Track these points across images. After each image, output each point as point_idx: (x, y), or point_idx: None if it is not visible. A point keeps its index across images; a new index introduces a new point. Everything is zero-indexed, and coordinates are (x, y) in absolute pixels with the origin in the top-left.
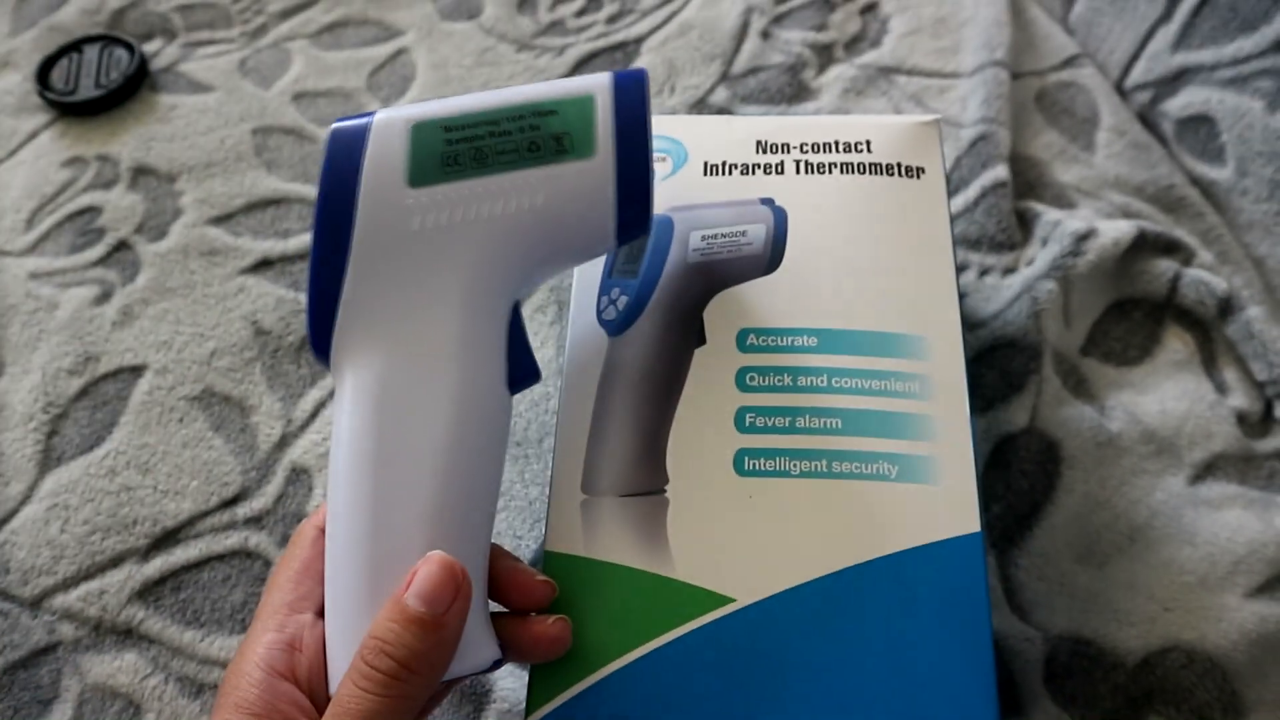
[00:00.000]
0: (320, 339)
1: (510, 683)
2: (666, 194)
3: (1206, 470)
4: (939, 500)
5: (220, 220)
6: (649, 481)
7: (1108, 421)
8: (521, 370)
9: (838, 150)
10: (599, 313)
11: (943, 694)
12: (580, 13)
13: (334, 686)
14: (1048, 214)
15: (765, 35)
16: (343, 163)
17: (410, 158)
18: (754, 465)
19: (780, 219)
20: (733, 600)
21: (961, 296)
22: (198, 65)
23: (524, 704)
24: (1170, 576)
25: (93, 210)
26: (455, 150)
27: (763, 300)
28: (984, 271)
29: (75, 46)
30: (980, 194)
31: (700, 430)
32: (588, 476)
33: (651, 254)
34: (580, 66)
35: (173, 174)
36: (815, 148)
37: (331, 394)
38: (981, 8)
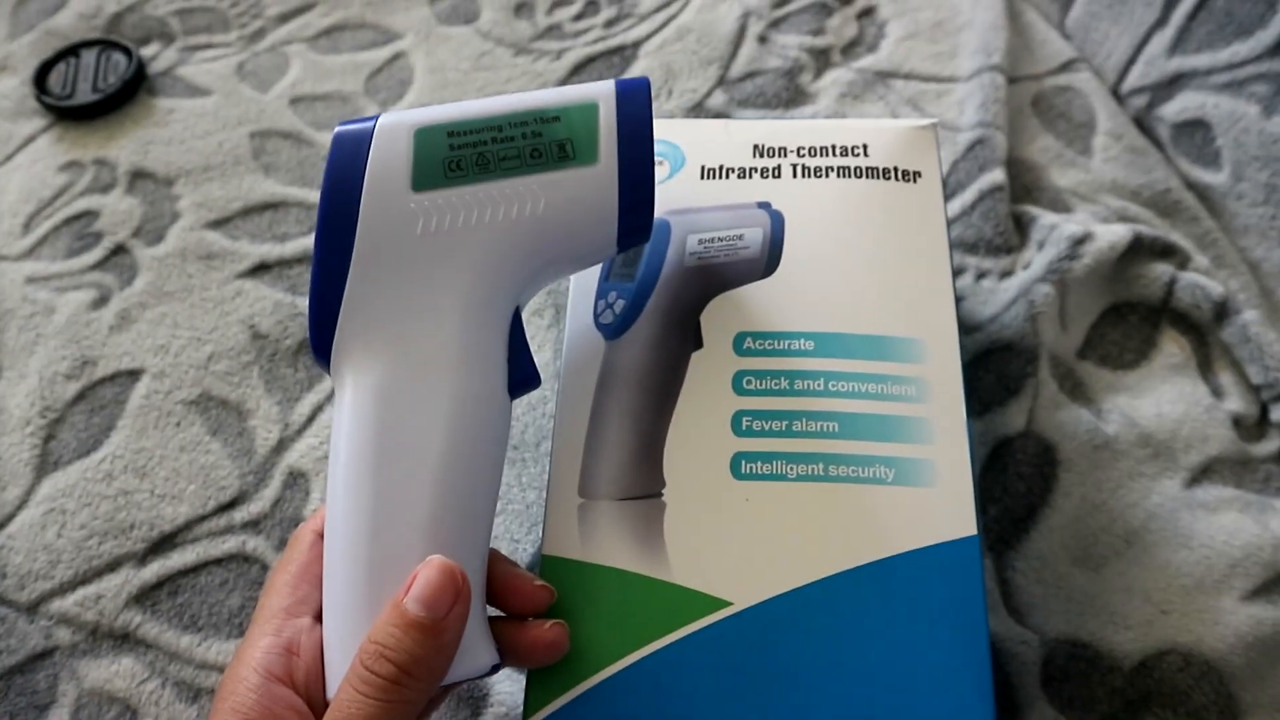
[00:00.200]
0: (321, 342)
1: (507, 687)
2: (663, 197)
3: (1203, 473)
4: (936, 503)
5: (218, 224)
6: (646, 485)
7: (1104, 425)
8: (522, 375)
9: (835, 154)
10: (596, 316)
11: (940, 697)
12: (578, 17)
13: (332, 691)
14: (1044, 218)
15: (762, 39)
16: (346, 166)
17: (414, 162)
18: (751, 469)
19: (777, 222)
20: (730, 604)
21: (958, 300)
22: (195, 69)
23: (521, 708)
24: (1167, 579)
25: (90, 214)
26: (459, 155)
27: (760, 304)
28: (981, 275)
29: (73, 50)
30: (977, 198)
31: (697, 434)
32: (585, 480)
33: (648, 257)
34: (577, 71)
35: (170, 178)
36: (812, 152)
37: (329, 397)
38: (978, 12)
